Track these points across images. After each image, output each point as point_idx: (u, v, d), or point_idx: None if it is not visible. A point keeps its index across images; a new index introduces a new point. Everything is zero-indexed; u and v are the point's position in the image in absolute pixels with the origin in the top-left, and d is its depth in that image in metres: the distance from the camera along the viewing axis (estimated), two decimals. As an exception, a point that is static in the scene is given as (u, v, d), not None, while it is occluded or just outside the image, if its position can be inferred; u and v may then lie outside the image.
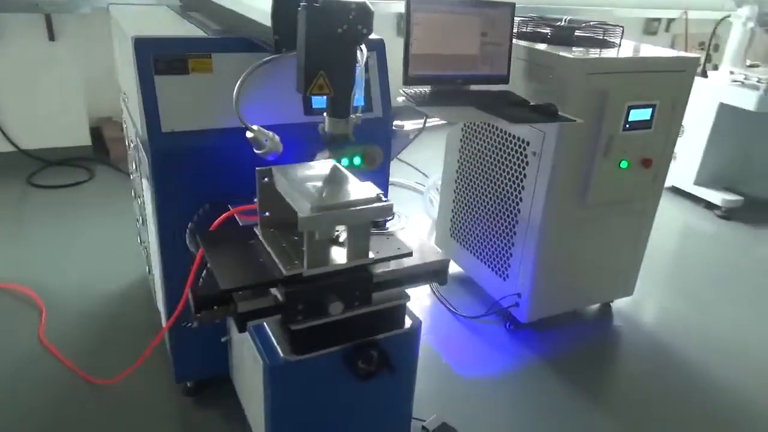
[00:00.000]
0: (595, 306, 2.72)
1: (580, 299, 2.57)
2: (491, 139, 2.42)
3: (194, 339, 1.85)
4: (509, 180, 2.34)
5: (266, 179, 1.33)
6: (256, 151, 1.42)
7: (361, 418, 1.60)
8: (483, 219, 2.54)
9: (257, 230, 1.37)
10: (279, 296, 1.28)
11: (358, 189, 1.23)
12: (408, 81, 2.00)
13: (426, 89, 2.08)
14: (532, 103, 2.06)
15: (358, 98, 1.84)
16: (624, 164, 2.19)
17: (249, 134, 1.39)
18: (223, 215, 1.50)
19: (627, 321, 2.66)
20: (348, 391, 1.52)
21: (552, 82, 2.07)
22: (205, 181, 1.69)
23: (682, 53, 2.25)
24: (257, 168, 1.34)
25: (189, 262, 1.67)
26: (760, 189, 4.05)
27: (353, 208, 1.16)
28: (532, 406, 2.12)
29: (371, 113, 1.87)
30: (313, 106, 1.78)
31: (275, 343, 1.42)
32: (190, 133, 1.62)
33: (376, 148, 1.88)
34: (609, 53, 2.18)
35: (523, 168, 2.25)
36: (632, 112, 2.11)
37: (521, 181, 2.28)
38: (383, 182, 1.96)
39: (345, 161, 1.84)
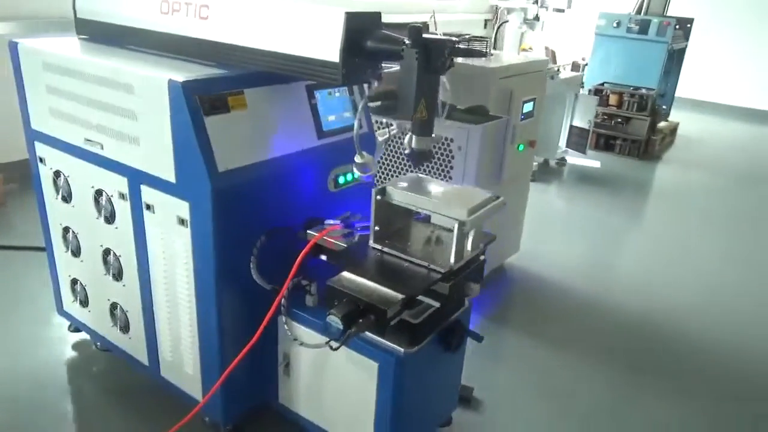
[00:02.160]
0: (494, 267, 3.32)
1: (493, 263, 3.13)
2: (411, 141, 2.78)
3: (239, 377, 1.83)
4: (436, 173, 2.74)
5: (379, 197, 1.49)
6: (359, 173, 1.56)
7: (439, 383, 1.86)
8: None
9: (374, 244, 1.52)
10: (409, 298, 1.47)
11: (474, 192, 1.49)
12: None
13: (377, 104, 2.34)
14: (460, 107, 2.49)
15: (349, 117, 2.05)
16: (521, 147, 2.78)
17: (359, 159, 1.52)
18: (313, 240, 1.59)
19: (517, 270, 3.33)
20: (437, 364, 1.77)
21: (473, 87, 2.52)
22: (256, 213, 1.71)
23: (541, 57, 2.93)
24: (374, 188, 1.49)
25: (244, 298, 1.71)
26: (546, 154, 5.20)
27: (489, 207, 1.43)
28: (495, 353, 2.59)
29: (363, 129, 2.07)
30: (324, 129, 1.91)
31: (387, 342, 1.59)
32: (240, 170, 1.63)
33: (371, 158, 2.10)
34: (494, 61, 2.73)
35: (450, 161, 2.67)
36: (525, 105, 2.69)
37: (448, 172, 2.69)
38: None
39: (350, 175, 2.02)
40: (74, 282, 2.21)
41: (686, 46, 6.58)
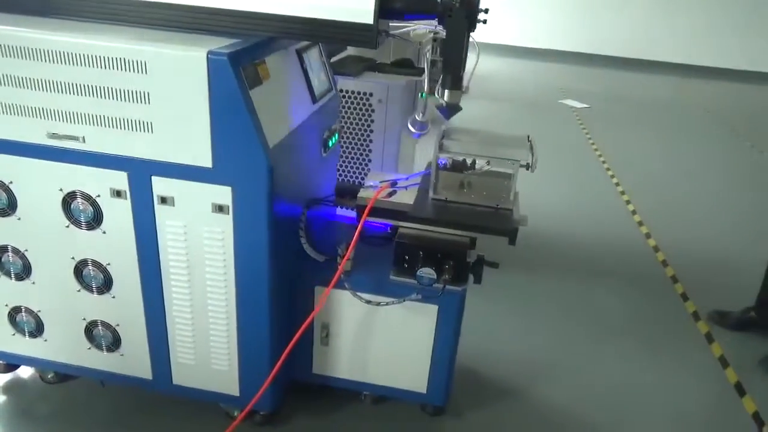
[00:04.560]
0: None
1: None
2: (327, 99, 2.78)
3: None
4: (358, 126, 2.80)
5: (442, 147, 1.58)
6: (415, 130, 1.61)
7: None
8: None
9: (436, 196, 1.61)
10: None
11: (512, 136, 1.67)
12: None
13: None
14: (386, 62, 2.59)
15: (325, 80, 2.03)
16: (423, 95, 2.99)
17: (420, 117, 1.56)
18: (370, 203, 1.60)
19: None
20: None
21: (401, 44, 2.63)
22: (291, 187, 1.65)
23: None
24: (439, 141, 1.56)
25: (286, 276, 1.67)
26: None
27: (534, 146, 1.63)
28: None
29: (332, 92, 2.06)
30: (315, 93, 1.86)
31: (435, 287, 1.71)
32: (279, 144, 1.55)
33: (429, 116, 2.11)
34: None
35: (370, 114, 2.76)
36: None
37: (369, 125, 2.79)
38: (338, 147, 2.20)
39: (334, 138, 2.03)
40: (15, 311, 1.81)
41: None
